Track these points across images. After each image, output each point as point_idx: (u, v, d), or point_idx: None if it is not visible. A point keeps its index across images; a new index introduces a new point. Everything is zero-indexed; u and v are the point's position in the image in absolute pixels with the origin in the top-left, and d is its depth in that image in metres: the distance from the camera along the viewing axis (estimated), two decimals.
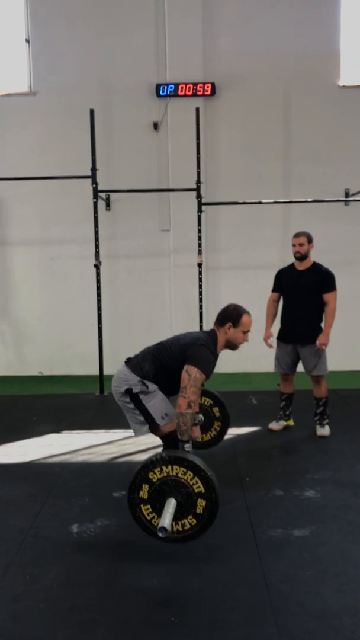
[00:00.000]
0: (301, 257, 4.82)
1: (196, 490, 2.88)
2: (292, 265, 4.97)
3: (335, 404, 5.15)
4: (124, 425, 5.15)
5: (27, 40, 7.34)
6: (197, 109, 6.41)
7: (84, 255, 7.01)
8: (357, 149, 7.31)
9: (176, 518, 2.90)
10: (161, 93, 7.17)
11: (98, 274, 6.52)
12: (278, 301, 5.06)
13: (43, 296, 7.59)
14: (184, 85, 7.11)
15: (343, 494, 3.77)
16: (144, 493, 2.92)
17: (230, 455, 4.50)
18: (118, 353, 7.37)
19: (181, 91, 7.12)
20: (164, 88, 7.15)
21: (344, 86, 7.33)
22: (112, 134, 7.34)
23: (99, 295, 6.55)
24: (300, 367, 4.97)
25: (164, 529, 2.72)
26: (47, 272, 7.57)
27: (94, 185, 6.39)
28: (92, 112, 6.33)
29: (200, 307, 6.63)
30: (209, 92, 7.14)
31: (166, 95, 7.17)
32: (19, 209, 7.46)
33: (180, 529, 2.93)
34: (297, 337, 4.86)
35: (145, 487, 2.91)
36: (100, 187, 6.50)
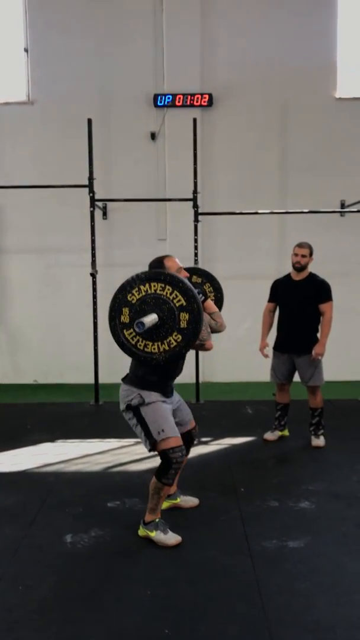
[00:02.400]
0: (300, 268, 4.83)
1: (177, 305, 2.85)
2: (288, 276, 4.98)
3: (330, 414, 5.15)
4: (119, 434, 5.17)
5: (26, 50, 7.37)
6: (195, 120, 6.44)
7: (81, 264, 7.00)
8: (353, 160, 7.35)
9: (161, 337, 2.88)
10: (159, 103, 7.20)
11: (94, 283, 6.51)
12: (274, 311, 5.07)
13: (39, 304, 7.58)
14: (181, 96, 7.14)
15: (338, 505, 3.76)
16: (124, 317, 2.91)
17: (225, 466, 4.49)
18: (113, 362, 7.37)
19: (179, 102, 7.16)
20: (161, 98, 7.18)
21: (340, 98, 7.38)
22: (110, 144, 7.36)
23: (95, 304, 6.54)
24: (296, 377, 4.97)
25: (141, 323, 2.73)
26: (43, 281, 7.56)
27: (91, 194, 6.40)
28: (89, 121, 6.35)
29: None
30: (206, 103, 7.18)
31: (164, 106, 7.20)
32: (15, 217, 7.46)
33: (166, 347, 2.91)
34: (293, 347, 4.86)
35: (126, 310, 2.91)
36: (97, 196, 6.51)
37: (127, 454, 4.74)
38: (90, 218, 6.45)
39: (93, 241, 6.47)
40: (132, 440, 4.99)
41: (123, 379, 3.42)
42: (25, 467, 4.49)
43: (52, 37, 7.29)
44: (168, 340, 2.88)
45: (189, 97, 7.14)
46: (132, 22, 7.25)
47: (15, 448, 4.95)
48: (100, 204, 7.13)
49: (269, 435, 5.07)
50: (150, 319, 2.82)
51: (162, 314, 2.87)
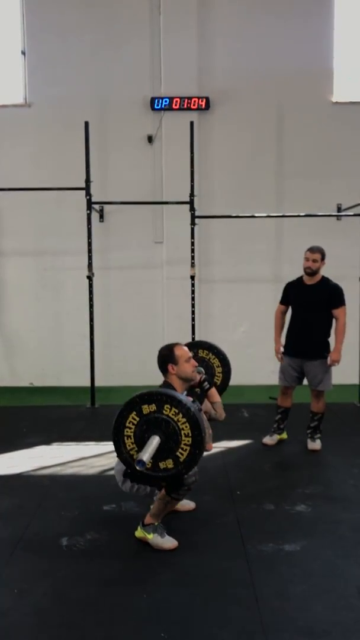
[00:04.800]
0: (312, 273, 4.79)
1: (182, 428, 2.94)
2: (300, 279, 4.95)
3: (327, 418, 5.15)
4: None
5: (23, 52, 7.37)
6: (192, 123, 6.45)
7: (77, 266, 6.99)
8: (349, 164, 7.36)
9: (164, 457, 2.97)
10: (156, 107, 7.21)
11: (91, 286, 6.51)
12: (285, 313, 5.05)
13: (35, 307, 7.57)
14: (178, 99, 7.16)
15: (334, 508, 3.76)
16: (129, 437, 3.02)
17: (221, 469, 4.49)
18: (110, 365, 7.43)
19: (176, 105, 7.17)
20: (158, 102, 7.19)
21: (336, 102, 7.40)
22: (107, 147, 7.37)
23: (91, 306, 6.54)
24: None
25: (141, 461, 2.74)
26: (40, 283, 7.55)
27: (88, 197, 6.40)
28: (86, 124, 6.35)
29: (193, 319, 6.62)
30: (203, 106, 7.20)
31: (161, 109, 7.22)
32: (12, 219, 7.46)
33: (169, 466, 2.99)
34: (304, 351, 4.83)
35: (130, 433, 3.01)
36: (94, 199, 6.51)
37: None
38: (87, 221, 6.44)
39: (90, 244, 6.47)
40: None
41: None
42: (21, 470, 4.48)
43: (49, 40, 7.30)
44: (167, 461, 2.98)
45: (186, 100, 7.16)
46: (129, 26, 7.26)
47: (11, 451, 4.93)
48: (97, 206, 7.14)
49: (268, 440, 5.06)
50: (151, 448, 2.84)
51: (164, 435, 2.94)
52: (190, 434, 2.92)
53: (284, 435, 5.13)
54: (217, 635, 2.49)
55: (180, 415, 2.93)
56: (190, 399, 3.24)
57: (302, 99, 7.36)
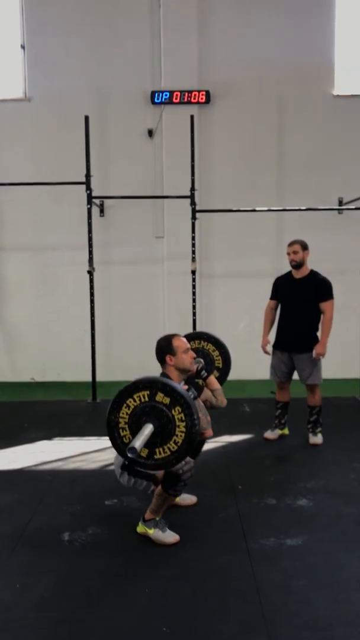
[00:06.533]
0: (297, 265, 4.82)
1: (177, 416, 2.91)
2: (289, 273, 4.97)
3: (328, 412, 5.14)
4: None
5: (23, 46, 7.34)
6: (192, 117, 6.43)
7: (78, 261, 6.98)
8: (351, 157, 7.34)
9: (157, 445, 2.95)
10: (156, 100, 7.18)
11: (91, 281, 6.50)
12: (275, 309, 5.05)
13: (36, 302, 7.56)
14: (178, 93, 7.12)
15: (335, 503, 3.76)
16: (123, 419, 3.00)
17: (223, 464, 4.49)
18: (111, 360, 7.43)
19: (176, 99, 7.14)
20: (158, 95, 7.16)
21: (337, 95, 7.37)
22: (107, 141, 7.34)
23: (92, 301, 6.53)
24: (295, 375, 4.96)
25: (133, 448, 2.74)
26: (40, 278, 7.54)
27: (88, 192, 6.38)
28: (86, 118, 6.33)
29: (194, 314, 6.62)
30: (203, 100, 7.16)
31: (161, 103, 7.18)
32: (12, 214, 7.44)
33: (161, 455, 2.97)
34: (293, 345, 4.85)
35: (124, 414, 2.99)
36: (94, 194, 6.49)
37: None
38: (87, 215, 6.43)
39: (90, 238, 6.46)
40: None
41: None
42: (23, 465, 4.48)
43: (49, 33, 7.26)
44: (163, 448, 2.94)
45: (187, 94, 7.12)
46: (129, 19, 7.22)
47: (12, 446, 4.94)
48: (97, 201, 7.12)
49: (269, 434, 5.06)
50: (144, 436, 2.82)
51: (159, 422, 2.91)
52: (184, 419, 2.89)
53: (286, 431, 5.12)
54: (218, 629, 2.49)
55: (173, 401, 2.90)
56: (185, 387, 3.24)
57: (303, 93, 7.33)
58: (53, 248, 7.46)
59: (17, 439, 5.12)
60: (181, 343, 3.40)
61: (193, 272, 6.56)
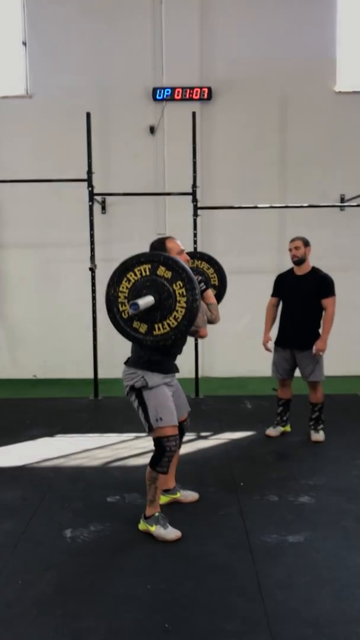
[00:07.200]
0: (299, 261, 4.81)
1: (177, 291, 2.89)
2: (291, 270, 4.96)
3: (330, 409, 5.14)
4: (118, 429, 5.18)
5: (24, 43, 7.33)
6: (194, 113, 6.41)
7: (80, 258, 6.98)
8: (353, 154, 7.33)
9: (157, 319, 2.93)
10: (158, 97, 7.17)
11: (93, 277, 6.50)
12: (277, 306, 5.05)
13: (38, 299, 7.57)
14: (180, 90, 7.12)
15: (338, 499, 3.76)
16: (123, 294, 2.99)
17: (225, 461, 4.49)
18: (113, 357, 7.37)
19: (178, 95, 7.13)
20: (160, 92, 7.16)
21: (339, 92, 7.36)
22: (109, 138, 7.34)
23: (94, 298, 6.53)
24: (297, 372, 4.96)
25: (135, 304, 2.73)
26: (42, 275, 7.55)
27: (90, 189, 6.37)
28: (88, 115, 6.32)
29: None
30: (205, 97, 7.16)
31: (163, 100, 7.18)
32: (14, 211, 7.44)
33: (160, 331, 2.96)
34: (295, 342, 4.84)
35: (124, 288, 2.98)
36: (96, 191, 6.48)
37: (127, 448, 4.73)
38: (89, 212, 6.42)
39: (92, 235, 6.46)
40: (131, 435, 5.01)
41: (125, 362, 3.42)
42: (25, 462, 4.48)
43: (50, 30, 7.26)
44: (162, 324, 2.89)
45: (188, 90, 7.12)
46: (130, 16, 7.21)
47: (14, 443, 4.94)
48: (99, 198, 7.12)
49: (271, 431, 5.06)
50: (145, 300, 2.81)
51: (159, 296, 2.86)
52: (184, 294, 2.85)
53: (287, 428, 5.12)
54: (220, 625, 2.49)
55: (175, 275, 2.86)
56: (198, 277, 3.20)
57: (305, 89, 7.31)
58: (55, 245, 7.46)
59: (19, 436, 5.13)
60: (175, 245, 3.32)
61: None
